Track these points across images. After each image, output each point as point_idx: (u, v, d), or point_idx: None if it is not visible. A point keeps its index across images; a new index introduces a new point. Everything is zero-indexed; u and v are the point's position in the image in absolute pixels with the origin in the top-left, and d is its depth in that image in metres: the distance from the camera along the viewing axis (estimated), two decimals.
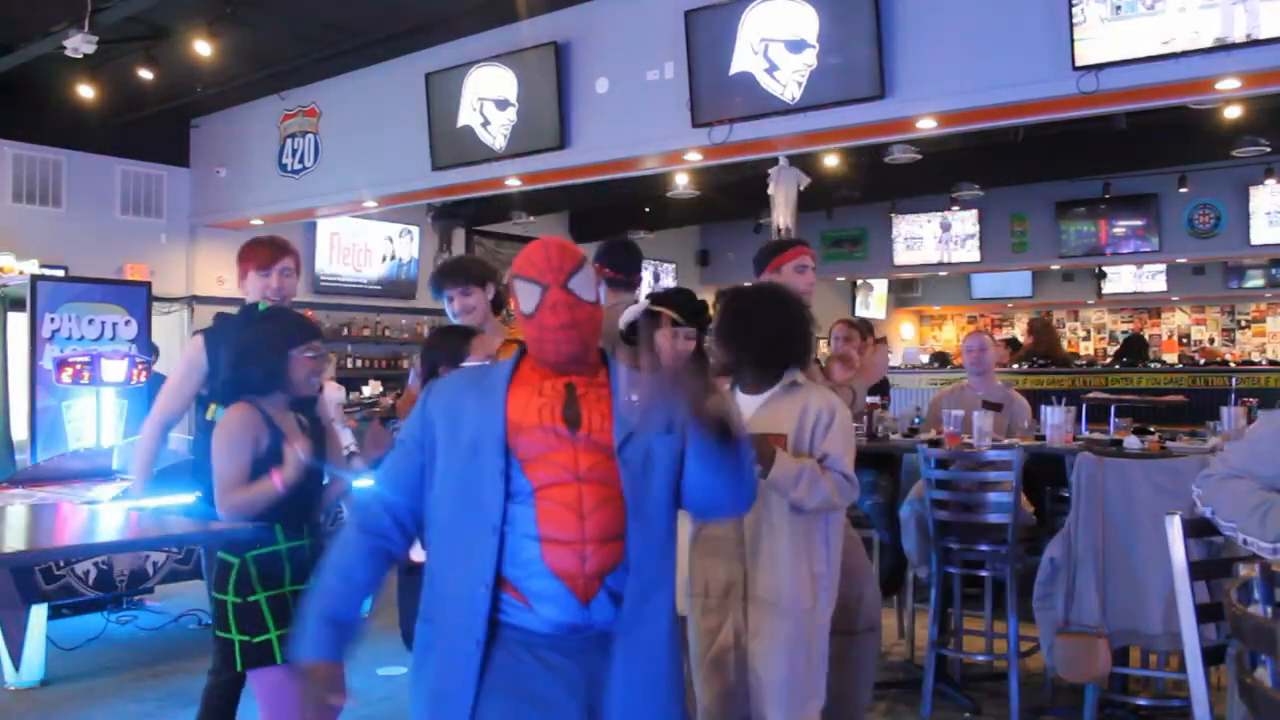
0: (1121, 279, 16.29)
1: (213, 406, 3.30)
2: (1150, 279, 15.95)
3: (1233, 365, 12.50)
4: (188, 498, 3.75)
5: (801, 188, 7.00)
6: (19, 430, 7.19)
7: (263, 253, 3.56)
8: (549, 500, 1.92)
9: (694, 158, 7.24)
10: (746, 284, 3.46)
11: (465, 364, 2.60)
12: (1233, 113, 8.01)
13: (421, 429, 2.06)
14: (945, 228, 14.11)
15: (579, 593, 1.90)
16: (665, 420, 1.98)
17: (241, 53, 7.78)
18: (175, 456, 6.37)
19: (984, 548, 4.24)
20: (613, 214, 13.03)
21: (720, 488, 2.01)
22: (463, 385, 2.09)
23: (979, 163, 10.69)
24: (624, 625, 1.93)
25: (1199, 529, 2.54)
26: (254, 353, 2.98)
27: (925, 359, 14.45)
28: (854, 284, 17.47)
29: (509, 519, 1.92)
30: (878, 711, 4.41)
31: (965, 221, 13.90)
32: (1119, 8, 5.09)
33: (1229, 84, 5.33)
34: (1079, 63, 5.22)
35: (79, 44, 6.67)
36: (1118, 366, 12.62)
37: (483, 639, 1.91)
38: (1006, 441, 4.64)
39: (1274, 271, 15.45)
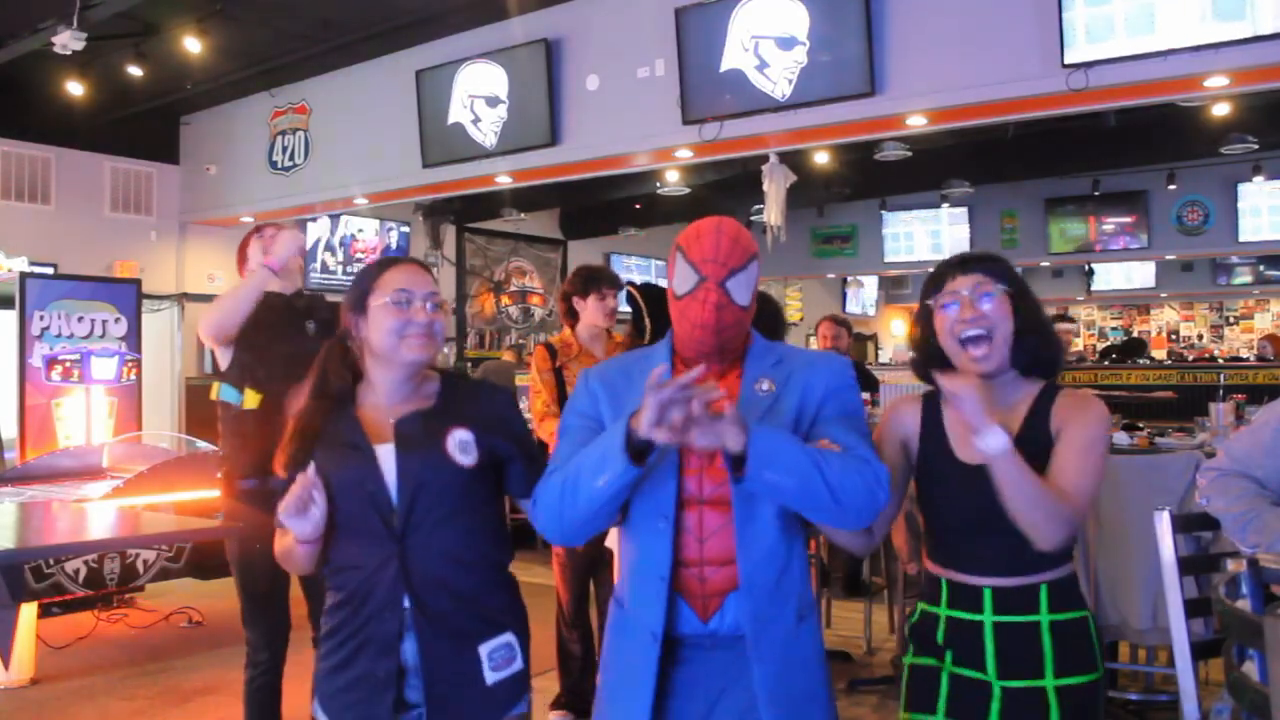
0: (1111, 276, 16.35)
1: (216, 385, 3.12)
2: (1138, 273, 16.02)
3: (1221, 362, 12.56)
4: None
5: (786, 185, 7.02)
6: (8, 428, 7.16)
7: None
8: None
9: (684, 155, 7.24)
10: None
11: None
12: (1221, 110, 8.05)
13: (591, 404, 1.97)
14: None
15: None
16: (793, 419, 1.88)
17: (231, 49, 7.77)
18: (165, 455, 6.38)
19: None
20: (603, 211, 13.02)
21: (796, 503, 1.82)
22: (621, 373, 1.98)
23: (969, 160, 10.73)
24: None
25: (1187, 524, 2.55)
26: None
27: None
28: (844, 281, 17.51)
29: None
30: (868, 706, 4.42)
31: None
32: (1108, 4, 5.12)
33: (1217, 81, 5.36)
34: (1068, 60, 5.25)
35: (67, 41, 6.64)
36: (1106, 363, 12.67)
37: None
38: None
39: (1262, 268, 15.53)
